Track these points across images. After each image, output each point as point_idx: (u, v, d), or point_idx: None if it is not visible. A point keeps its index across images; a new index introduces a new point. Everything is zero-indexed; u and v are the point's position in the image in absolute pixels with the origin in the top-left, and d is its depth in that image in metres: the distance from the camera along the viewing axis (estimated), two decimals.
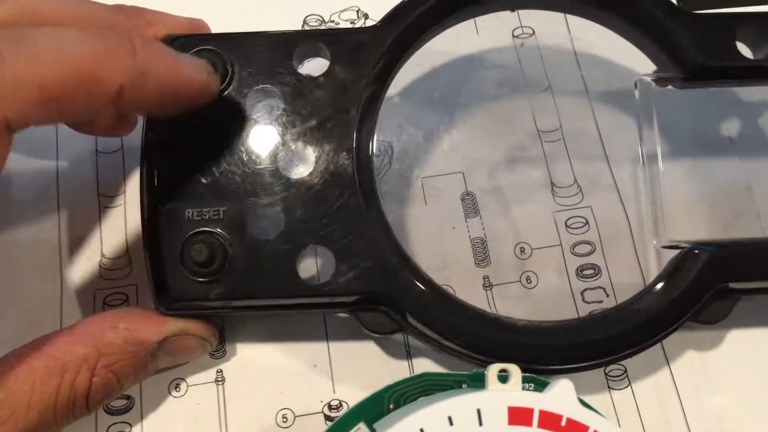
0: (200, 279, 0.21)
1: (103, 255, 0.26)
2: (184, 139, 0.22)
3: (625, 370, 0.25)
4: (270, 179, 0.22)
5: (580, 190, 0.27)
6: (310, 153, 0.22)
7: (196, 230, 0.22)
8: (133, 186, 0.27)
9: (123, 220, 0.27)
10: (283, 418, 0.24)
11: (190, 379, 0.25)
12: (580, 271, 0.26)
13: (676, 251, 0.23)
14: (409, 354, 0.25)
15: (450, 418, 0.18)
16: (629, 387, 0.25)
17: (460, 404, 0.19)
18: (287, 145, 0.23)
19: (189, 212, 0.22)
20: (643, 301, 0.22)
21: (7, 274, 0.26)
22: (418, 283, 0.22)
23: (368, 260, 0.21)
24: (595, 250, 0.26)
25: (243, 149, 0.22)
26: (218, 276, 0.21)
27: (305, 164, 0.22)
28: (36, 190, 0.27)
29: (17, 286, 0.26)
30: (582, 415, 0.19)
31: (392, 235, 0.22)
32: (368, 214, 0.22)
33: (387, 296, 0.21)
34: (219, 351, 0.25)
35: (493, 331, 0.21)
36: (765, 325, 0.25)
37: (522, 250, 0.26)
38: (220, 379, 0.25)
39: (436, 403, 0.19)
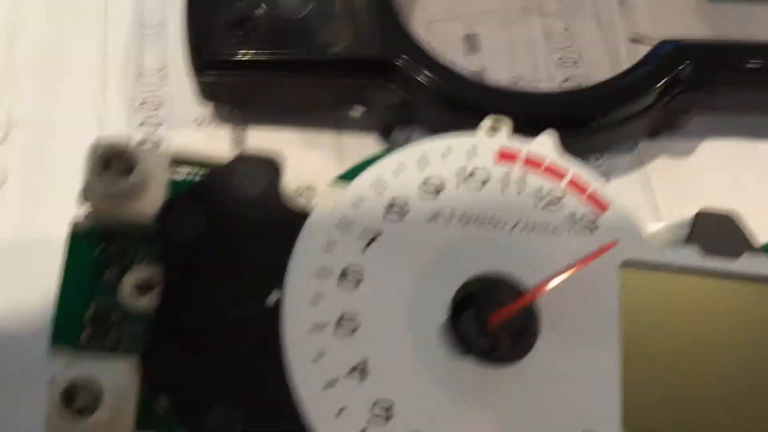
0: (233, 37, 0.25)
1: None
2: None
3: None
4: None
5: None
6: None
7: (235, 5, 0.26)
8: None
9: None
10: None
11: None
12: None
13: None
14: None
15: (449, 148, 0.21)
16: None
17: (457, 142, 0.21)
18: None
19: None
20: (616, 79, 0.26)
21: None
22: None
23: (377, 32, 0.26)
24: None
25: None
26: (250, 35, 0.25)
27: None
28: None
29: None
30: (564, 161, 0.22)
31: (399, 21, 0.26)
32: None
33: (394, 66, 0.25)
34: None
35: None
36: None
37: None
38: None
39: (437, 141, 0.22)
